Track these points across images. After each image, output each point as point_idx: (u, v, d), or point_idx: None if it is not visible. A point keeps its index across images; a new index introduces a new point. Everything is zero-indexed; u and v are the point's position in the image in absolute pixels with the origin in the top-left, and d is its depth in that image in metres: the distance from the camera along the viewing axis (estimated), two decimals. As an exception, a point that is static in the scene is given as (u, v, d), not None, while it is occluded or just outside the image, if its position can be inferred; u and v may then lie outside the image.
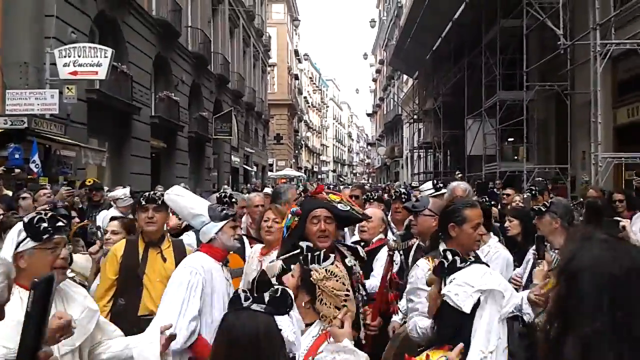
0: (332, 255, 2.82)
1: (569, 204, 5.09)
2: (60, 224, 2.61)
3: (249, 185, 29.80)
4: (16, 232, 2.55)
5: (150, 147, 20.98)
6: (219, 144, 31.16)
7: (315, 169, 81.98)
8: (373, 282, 4.35)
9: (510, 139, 21.22)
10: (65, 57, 13.47)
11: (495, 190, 14.13)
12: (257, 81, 44.13)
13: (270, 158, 52.22)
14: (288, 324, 1.95)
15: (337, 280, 2.71)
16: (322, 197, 3.59)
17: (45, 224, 2.55)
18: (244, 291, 1.94)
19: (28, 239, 2.53)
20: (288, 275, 2.81)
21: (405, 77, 43.71)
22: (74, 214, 5.74)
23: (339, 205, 3.45)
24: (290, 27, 60.69)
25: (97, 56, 13.68)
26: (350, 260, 3.35)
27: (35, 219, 2.56)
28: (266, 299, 1.92)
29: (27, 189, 8.74)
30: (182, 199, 3.72)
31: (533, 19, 16.01)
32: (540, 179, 13.90)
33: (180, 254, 4.11)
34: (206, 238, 3.61)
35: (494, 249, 4.53)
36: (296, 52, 65.87)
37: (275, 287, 2.01)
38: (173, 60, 23.51)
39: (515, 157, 20.41)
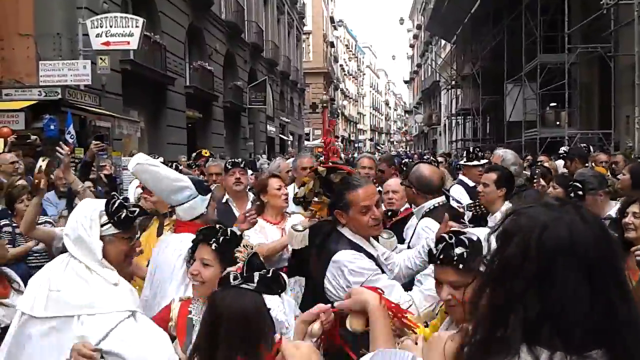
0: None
1: (598, 174, 4.84)
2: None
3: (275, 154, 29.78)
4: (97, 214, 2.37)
5: (185, 118, 21.09)
6: (254, 114, 31.17)
7: (352, 138, 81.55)
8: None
9: (552, 104, 20.61)
10: (97, 27, 13.49)
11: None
12: (292, 50, 43.77)
13: (307, 127, 52.06)
14: (278, 304, 1.84)
15: None
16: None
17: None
18: (234, 273, 1.85)
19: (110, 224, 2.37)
20: None
21: (443, 42, 42.78)
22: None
23: None
24: (326, -7, 59.84)
25: (128, 26, 13.66)
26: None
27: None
28: (256, 278, 1.81)
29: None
30: (161, 169, 3.27)
31: (575, -23, 15.37)
32: (583, 145, 13.49)
33: None
34: (193, 214, 3.25)
35: None
36: (332, 19, 64.97)
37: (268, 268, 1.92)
38: (206, 30, 23.42)
39: (557, 123, 19.84)
